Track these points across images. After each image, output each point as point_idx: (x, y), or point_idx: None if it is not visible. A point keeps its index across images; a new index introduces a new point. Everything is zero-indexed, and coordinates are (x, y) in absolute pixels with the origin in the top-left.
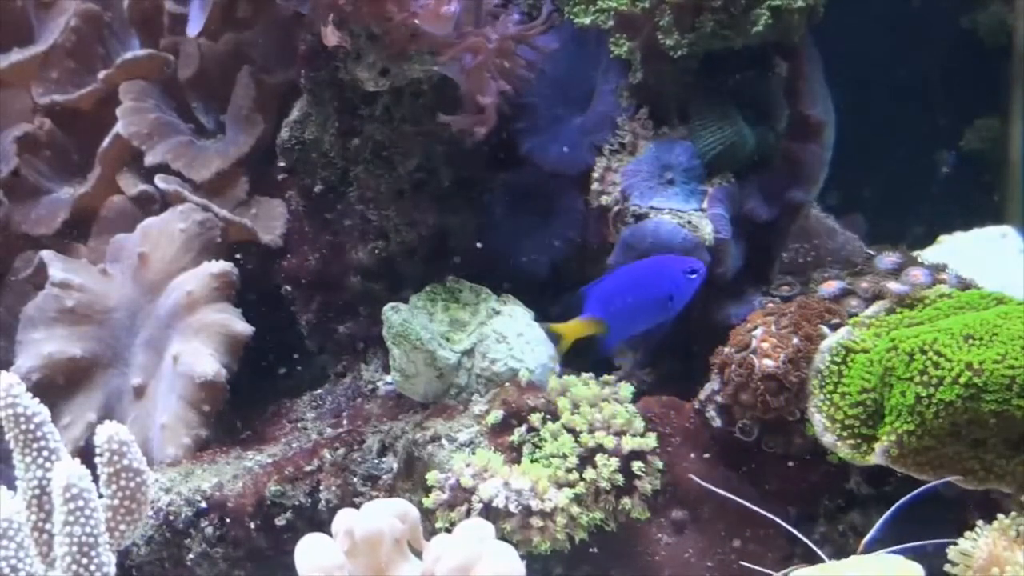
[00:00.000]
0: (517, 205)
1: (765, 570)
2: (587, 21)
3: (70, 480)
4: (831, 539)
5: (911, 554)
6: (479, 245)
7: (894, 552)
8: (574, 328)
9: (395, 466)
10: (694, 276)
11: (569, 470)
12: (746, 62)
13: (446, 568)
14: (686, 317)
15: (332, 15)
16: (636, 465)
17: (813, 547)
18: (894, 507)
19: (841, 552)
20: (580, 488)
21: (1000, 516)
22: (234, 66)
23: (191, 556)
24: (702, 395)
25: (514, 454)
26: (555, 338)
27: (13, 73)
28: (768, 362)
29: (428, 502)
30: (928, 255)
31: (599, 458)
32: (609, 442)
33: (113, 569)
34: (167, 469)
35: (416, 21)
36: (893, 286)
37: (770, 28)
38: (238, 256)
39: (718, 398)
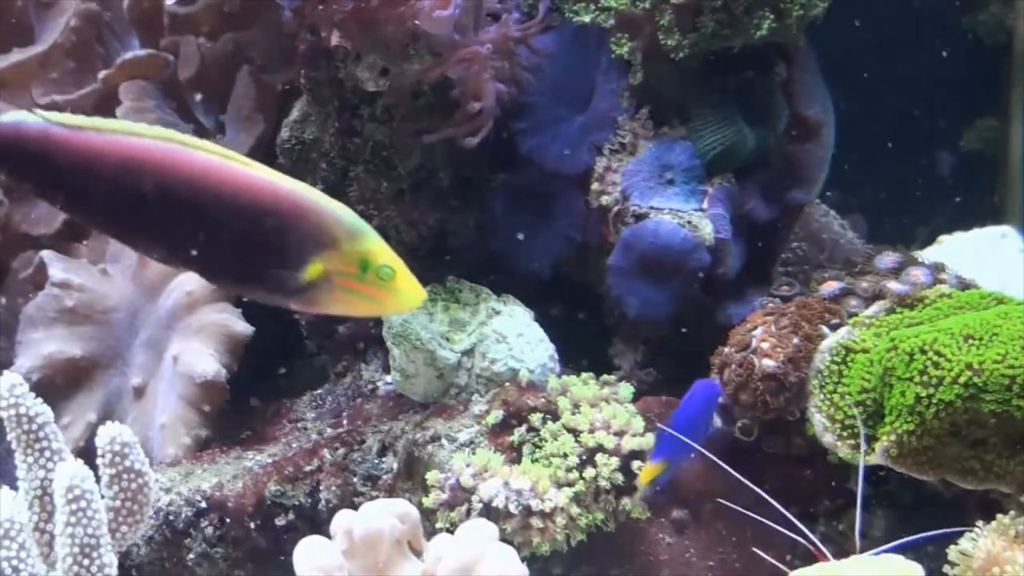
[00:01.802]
0: (517, 205)
1: (776, 563)
2: (587, 19)
3: (73, 481)
4: (831, 539)
5: (913, 552)
6: (479, 245)
7: (893, 548)
8: (648, 473)
9: (395, 466)
10: (719, 396)
11: (569, 470)
12: (746, 63)
13: (447, 568)
14: (686, 317)
15: (332, 26)
16: (636, 465)
17: (818, 543)
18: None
19: (841, 552)
20: (580, 487)
21: (1000, 516)
22: (234, 66)
23: (191, 556)
24: None
25: (514, 454)
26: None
27: (13, 73)
28: (768, 362)
29: (428, 502)
30: (928, 255)
31: (599, 458)
32: (609, 442)
33: (115, 570)
34: (167, 469)
35: (416, 22)
36: (893, 286)
37: (773, 31)
38: None
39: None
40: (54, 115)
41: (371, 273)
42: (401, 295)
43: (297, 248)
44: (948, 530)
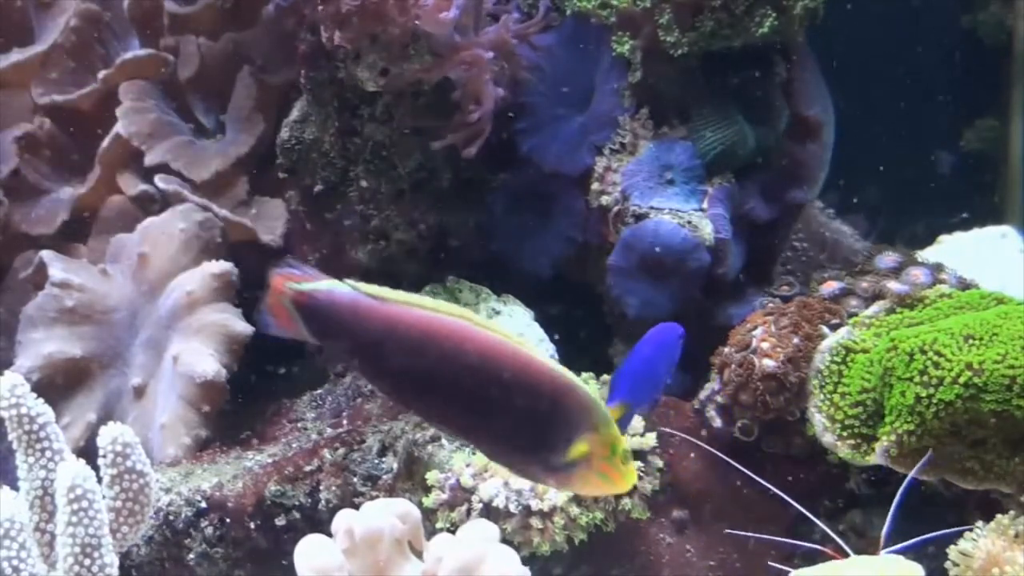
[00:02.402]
0: (517, 205)
1: (781, 566)
2: (590, 5)
3: (75, 480)
4: (831, 539)
5: (913, 552)
6: (479, 245)
7: (897, 550)
8: None
9: (395, 466)
10: (681, 339)
11: None
12: (746, 62)
13: (448, 569)
14: (686, 317)
15: (334, 24)
16: (636, 465)
17: (840, 542)
18: (896, 501)
19: (843, 553)
20: None
21: (1000, 516)
22: (234, 66)
23: (191, 556)
24: (702, 395)
25: None
26: None
27: (13, 73)
28: (768, 362)
29: (428, 502)
30: (928, 255)
31: None
32: None
33: (116, 570)
34: (167, 469)
35: (417, 22)
36: (893, 286)
37: (775, 29)
38: (238, 256)
39: (718, 398)
40: (362, 285)
41: (617, 456)
42: (628, 479)
43: (568, 429)
44: (949, 531)
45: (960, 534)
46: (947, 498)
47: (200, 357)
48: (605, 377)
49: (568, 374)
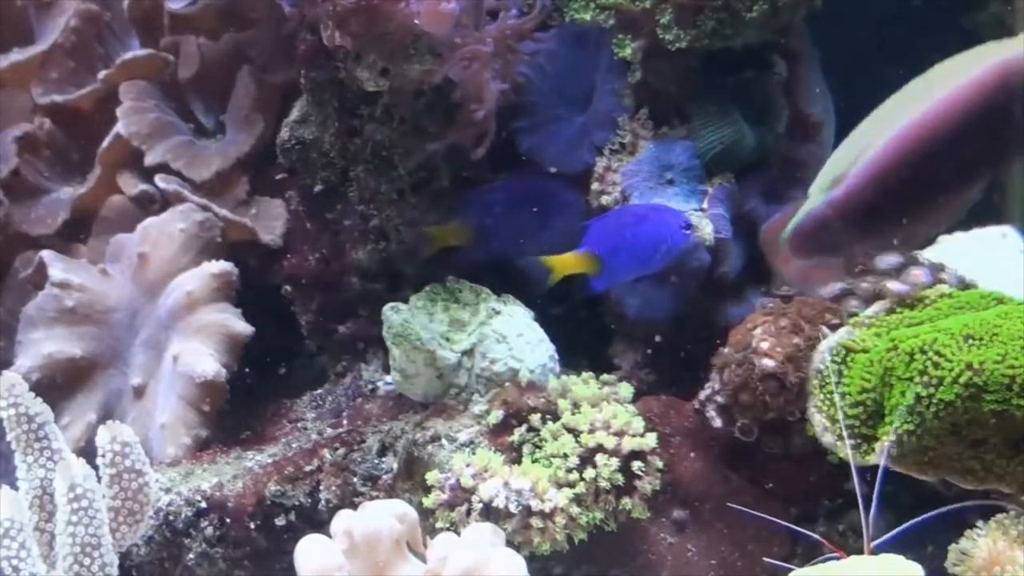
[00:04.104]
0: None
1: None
2: (588, 17)
3: (74, 480)
4: (831, 539)
5: (914, 552)
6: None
7: (883, 543)
8: (567, 261)
9: (395, 466)
10: (688, 232)
11: (569, 470)
12: (746, 62)
13: (453, 569)
14: (686, 317)
15: (332, 22)
16: (636, 465)
17: (865, 528)
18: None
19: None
20: (580, 488)
21: (1000, 516)
22: (234, 66)
23: (191, 556)
24: (702, 395)
25: (514, 454)
26: (547, 271)
27: (13, 73)
28: (768, 362)
29: (428, 502)
30: (928, 255)
31: (599, 458)
32: (609, 442)
33: (116, 570)
34: (167, 469)
35: (416, 21)
36: (893, 286)
37: (767, 19)
38: (238, 256)
39: (718, 398)
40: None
41: None
42: None
43: None
44: (929, 514)
45: (950, 526)
46: (947, 498)
47: (200, 357)
48: (606, 376)
49: None
